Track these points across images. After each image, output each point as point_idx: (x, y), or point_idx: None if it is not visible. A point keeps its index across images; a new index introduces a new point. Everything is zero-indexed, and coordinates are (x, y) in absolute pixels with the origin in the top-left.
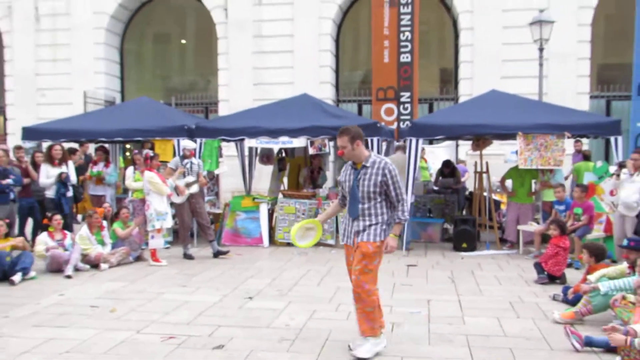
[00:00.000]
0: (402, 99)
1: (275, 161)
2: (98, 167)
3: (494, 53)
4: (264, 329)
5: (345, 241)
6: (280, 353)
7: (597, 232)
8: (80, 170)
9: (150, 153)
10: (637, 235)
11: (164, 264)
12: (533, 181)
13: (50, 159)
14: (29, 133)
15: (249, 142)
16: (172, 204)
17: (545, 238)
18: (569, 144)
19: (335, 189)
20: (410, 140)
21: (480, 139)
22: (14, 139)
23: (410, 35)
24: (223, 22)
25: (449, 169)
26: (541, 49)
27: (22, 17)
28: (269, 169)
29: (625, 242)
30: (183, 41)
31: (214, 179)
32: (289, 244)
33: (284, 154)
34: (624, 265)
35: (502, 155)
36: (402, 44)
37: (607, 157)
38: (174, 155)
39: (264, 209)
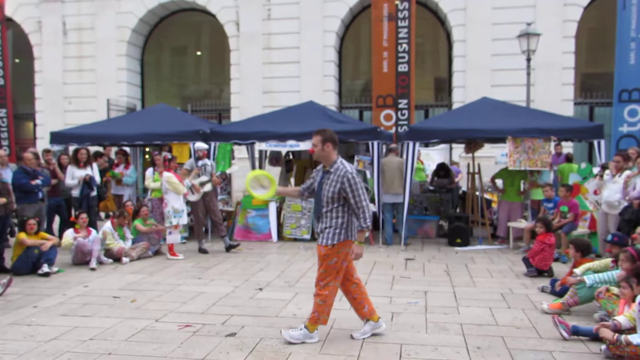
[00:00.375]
0: (400, 106)
1: (283, 163)
2: (119, 168)
3: (485, 63)
4: (273, 317)
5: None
6: None
7: (582, 228)
8: (103, 172)
9: (169, 155)
10: (619, 232)
11: (180, 257)
12: (522, 181)
13: (76, 162)
14: (56, 137)
15: (259, 146)
16: (187, 202)
17: (534, 234)
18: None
19: None
20: (408, 144)
21: (473, 143)
22: (42, 142)
23: (407, 47)
24: (235, 35)
25: (444, 171)
26: (528, 60)
27: (51, 31)
28: (277, 170)
29: (609, 237)
30: (198, 53)
31: (226, 179)
32: (296, 240)
33: (291, 156)
34: (608, 260)
35: (493, 158)
36: (400, 55)
37: (590, 159)
38: (190, 157)
39: (272, 207)
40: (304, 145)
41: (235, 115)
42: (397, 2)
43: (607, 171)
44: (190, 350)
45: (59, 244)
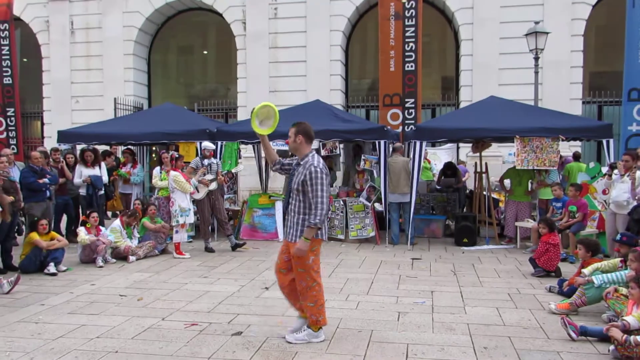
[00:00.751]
0: (407, 105)
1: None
2: (126, 167)
3: (492, 62)
4: (279, 317)
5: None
6: None
7: (590, 228)
8: (111, 171)
9: (175, 154)
10: (628, 232)
11: (187, 256)
12: (529, 181)
13: (83, 161)
14: (63, 136)
15: None
16: (193, 201)
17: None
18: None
19: (344, 188)
20: (415, 143)
21: (480, 142)
22: (50, 141)
23: (414, 46)
24: (242, 35)
25: (451, 170)
26: (536, 58)
27: (59, 30)
28: None
29: (617, 237)
30: (205, 52)
31: (233, 178)
32: None
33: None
34: (616, 260)
35: (501, 157)
36: (407, 54)
37: (599, 159)
38: (197, 156)
39: (279, 206)
40: None
41: (242, 114)
42: (404, 0)
43: (616, 171)
44: (197, 349)
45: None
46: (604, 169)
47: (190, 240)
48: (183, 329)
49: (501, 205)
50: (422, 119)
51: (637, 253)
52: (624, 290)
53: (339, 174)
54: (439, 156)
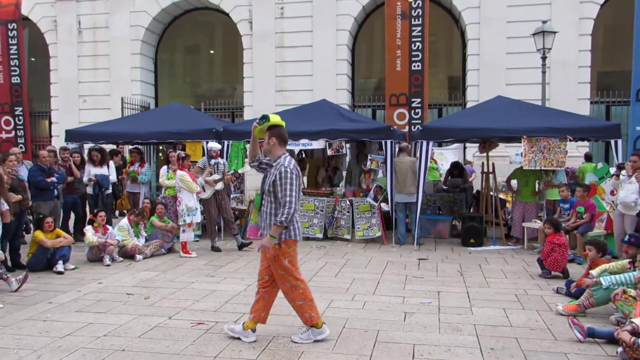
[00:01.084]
0: (413, 105)
1: (296, 162)
2: (134, 167)
3: (499, 62)
4: (285, 316)
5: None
6: None
7: (598, 229)
8: (118, 170)
9: (182, 154)
10: (636, 233)
11: (193, 255)
12: (537, 181)
13: (91, 161)
14: (71, 135)
15: None
16: (200, 201)
17: None
18: None
19: (350, 188)
20: (421, 143)
21: (487, 142)
22: (58, 140)
23: (421, 46)
24: (248, 34)
25: (457, 170)
26: (544, 58)
27: (66, 30)
28: None
29: (626, 238)
30: (211, 51)
31: (239, 177)
32: (308, 238)
33: (303, 155)
34: (625, 261)
35: (508, 157)
36: (413, 53)
37: (607, 159)
38: (204, 155)
39: None
40: (317, 144)
41: (248, 114)
42: (410, 0)
43: (624, 171)
44: (203, 347)
45: (74, 243)
46: (612, 170)
47: (197, 239)
48: (189, 327)
49: (508, 205)
50: (429, 118)
51: None
52: (632, 292)
53: (344, 173)
54: (445, 156)
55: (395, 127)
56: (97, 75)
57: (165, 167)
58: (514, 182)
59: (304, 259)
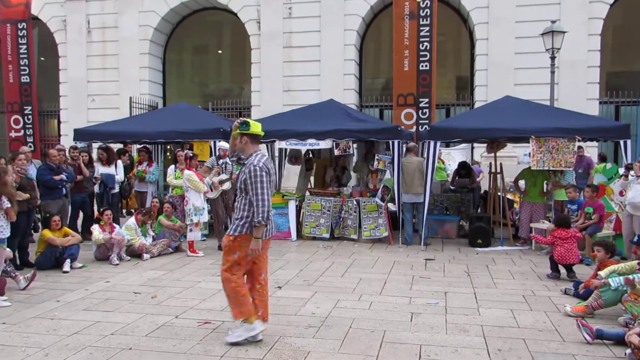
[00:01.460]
0: (421, 105)
1: (303, 161)
2: (142, 166)
3: (508, 62)
4: (292, 316)
5: None
6: (307, 339)
7: (607, 230)
8: (126, 169)
9: (190, 153)
10: None
11: (200, 255)
12: (545, 182)
13: (99, 160)
14: (79, 134)
15: (279, 144)
16: (207, 200)
17: None
18: None
19: (358, 188)
20: (429, 143)
21: (495, 142)
22: (66, 139)
23: (429, 46)
24: (256, 34)
25: (465, 170)
26: (553, 58)
27: (75, 30)
28: (297, 169)
29: (635, 239)
30: (219, 51)
31: None
32: (315, 238)
33: (311, 155)
34: (633, 262)
35: (516, 157)
36: (421, 53)
37: (616, 160)
38: (211, 155)
39: (292, 206)
40: (324, 144)
41: (256, 114)
42: (419, 0)
43: (632, 172)
44: (210, 347)
45: (82, 241)
46: (621, 170)
47: (204, 238)
48: (196, 327)
49: (516, 206)
50: (437, 118)
51: None
52: None
53: (353, 174)
54: (453, 156)
55: (402, 127)
56: (106, 75)
57: (172, 166)
58: (521, 183)
59: (311, 259)
